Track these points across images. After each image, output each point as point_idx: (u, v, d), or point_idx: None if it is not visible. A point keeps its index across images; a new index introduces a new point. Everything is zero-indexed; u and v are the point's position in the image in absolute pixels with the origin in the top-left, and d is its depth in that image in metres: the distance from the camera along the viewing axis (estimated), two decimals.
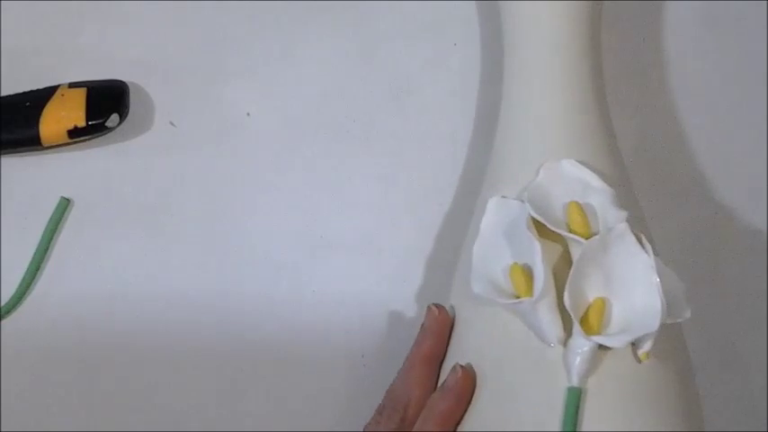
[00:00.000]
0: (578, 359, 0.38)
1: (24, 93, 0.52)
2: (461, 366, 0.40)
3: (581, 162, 0.43)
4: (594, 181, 0.42)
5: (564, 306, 0.38)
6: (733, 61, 0.55)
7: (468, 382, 0.40)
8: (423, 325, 0.44)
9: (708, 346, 0.48)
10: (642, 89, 0.54)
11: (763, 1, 0.56)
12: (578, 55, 0.46)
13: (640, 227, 0.43)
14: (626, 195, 0.44)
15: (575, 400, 0.37)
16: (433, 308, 0.43)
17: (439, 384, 0.41)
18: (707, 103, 0.54)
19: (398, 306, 0.49)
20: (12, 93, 0.52)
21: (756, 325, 0.50)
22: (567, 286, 0.38)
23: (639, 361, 0.39)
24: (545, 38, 0.46)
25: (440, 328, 0.43)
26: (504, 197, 0.43)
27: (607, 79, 0.48)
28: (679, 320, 0.40)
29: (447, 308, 0.44)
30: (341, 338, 0.48)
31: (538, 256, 0.39)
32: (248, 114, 0.53)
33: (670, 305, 0.38)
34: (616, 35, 0.54)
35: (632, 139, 0.51)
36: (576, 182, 0.43)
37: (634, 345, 0.39)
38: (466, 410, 0.40)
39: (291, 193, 0.52)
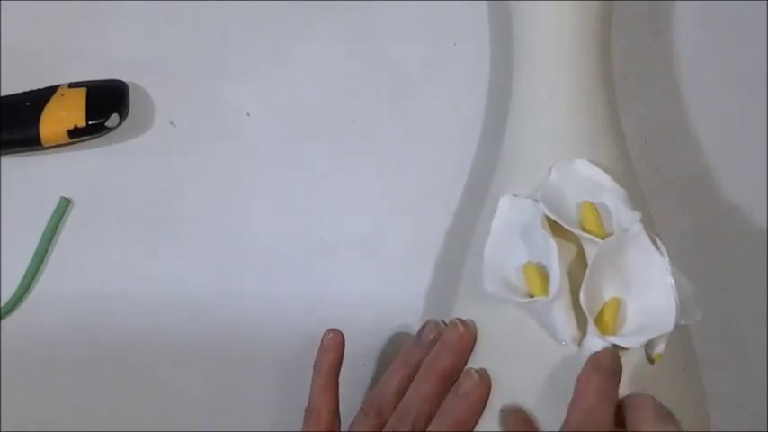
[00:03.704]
0: None
1: (24, 93, 0.51)
2: (476, 371, 0.40)
3: (593, 162, 0.43)
4: (607, 181, 0.42)
5: (578, 305, 0.38)
6: (734, 61, 0.55)
7: (484, 390, 0.39)
8: (443, 338, 0.42)
9: (708, 345, 0.48)
10: (649, 90, 0.54)
11: (763, 1, 0.56)
12: (588, 55, 0.46)
13: (650, 228, 0.43)
14: (635, 195, 0.44)
15: None
16: (459, 324, 0.42)
17: (453, 388, 0.40)
18: (708, 103, 0.54)
19: (399, 306, 0.49)
20: (12, 93, 0.52)
21: (756, 325, 0.50)
22: (582, 285, 0.38)
23: (652, 362, 0.39)
24: (556, 38, 0.46)
25: (462, 346, 0.41)
26: (515, 196, 0.43)
27: (616, 79, 0.48)
28: (691, 322, 0.40)
29: (470, 324, 0.42)
30: None
31: (554, 255, 0.39)
32: (248, 114, 0.53)
33: (682, 307, 0.38)
34: (624, 35, 0.54)
35: (639, 140, 0.51)
36: (588, 182, 0.42)
37: (647, 345, 0.39)
38: (480, 416, 0.39)
39: (291, 193, 0.52)
